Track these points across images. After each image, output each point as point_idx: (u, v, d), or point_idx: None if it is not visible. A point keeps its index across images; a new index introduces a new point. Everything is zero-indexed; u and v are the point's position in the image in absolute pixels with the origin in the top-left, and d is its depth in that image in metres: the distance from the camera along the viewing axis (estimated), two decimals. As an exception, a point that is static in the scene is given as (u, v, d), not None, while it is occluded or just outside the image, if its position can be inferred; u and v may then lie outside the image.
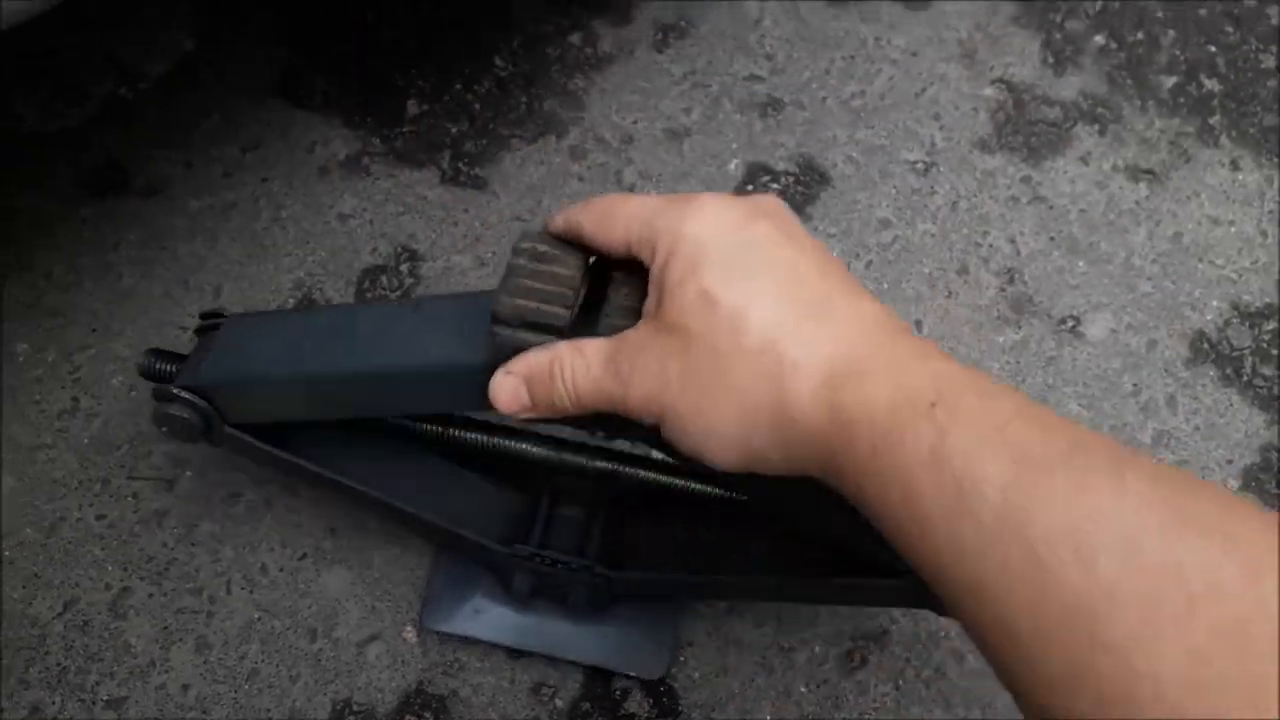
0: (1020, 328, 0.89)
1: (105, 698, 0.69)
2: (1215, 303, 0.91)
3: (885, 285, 0.90)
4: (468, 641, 0.71)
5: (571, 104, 1.02)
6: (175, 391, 0.61)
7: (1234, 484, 0.83)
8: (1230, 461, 0.83)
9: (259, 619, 0.72)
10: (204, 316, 0.67)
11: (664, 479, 0.67)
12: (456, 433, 0.68)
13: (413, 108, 1.01)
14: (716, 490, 0.67)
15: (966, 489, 0.32)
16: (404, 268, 0.90)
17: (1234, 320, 0.90)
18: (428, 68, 1.04)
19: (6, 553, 0.74)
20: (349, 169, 0.97)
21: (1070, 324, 0.89)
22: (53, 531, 0.75)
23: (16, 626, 0.71)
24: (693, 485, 0.67)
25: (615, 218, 0.48)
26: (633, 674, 0.69)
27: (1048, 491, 0.31)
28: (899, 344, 0.40)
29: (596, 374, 0.46)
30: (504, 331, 0.49)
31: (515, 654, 0.71)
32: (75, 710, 0.69)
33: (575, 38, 1.07)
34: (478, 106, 1.01)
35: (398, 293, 0.89)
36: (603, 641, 0.70)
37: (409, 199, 0.95)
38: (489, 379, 0.50)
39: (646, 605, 0.71)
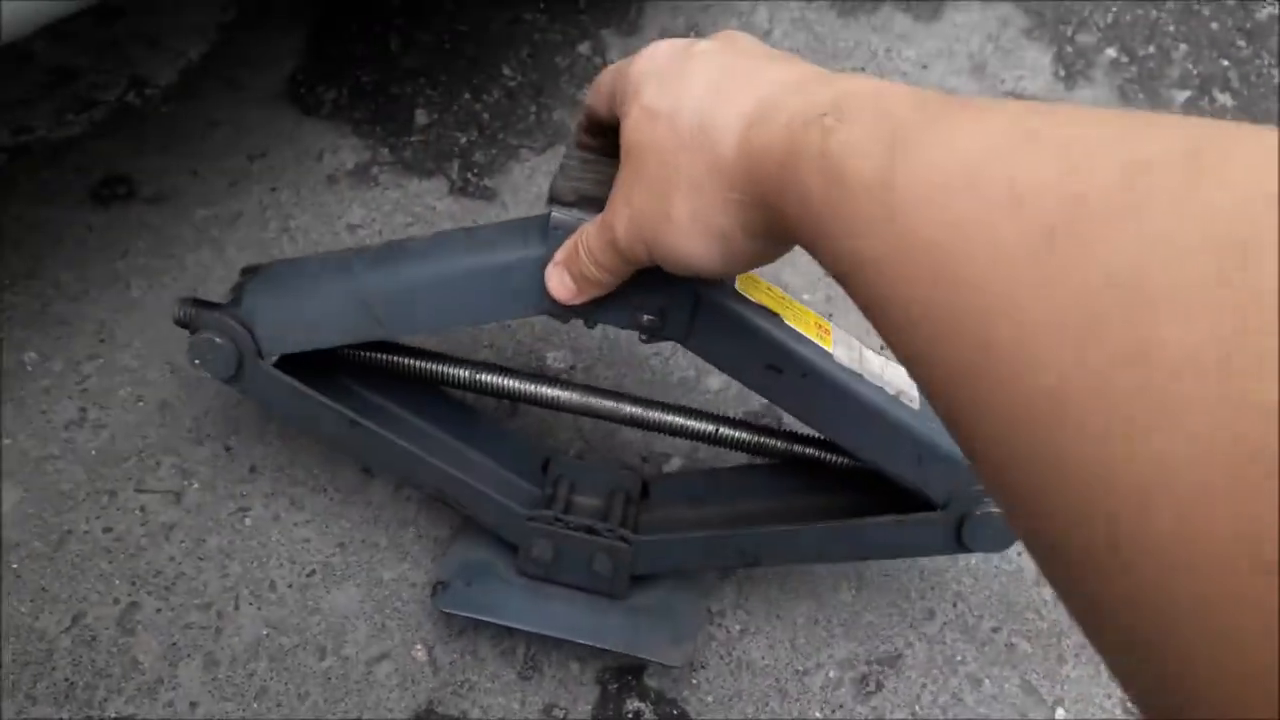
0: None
1: (113, 715, 0.69)
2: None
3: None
4: (478, 657, 0.71)
5: (580, 114, 1.01)
6: (216, 316, 0.62)
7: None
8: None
9: (268, 635, 0.72)
10: (244, 272, 0.68)
11: (691, 423, 0.67)
12: (487, 378, 0.67)
13: (421, 117, 1.01)
14: (741, 434, 0.67)
15: (847, 176, 0.33)
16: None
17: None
18: (437, 77, 1.03)
19: (14, 565, 0.74)
20: (357, 178, 0.96)
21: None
22: (60, 545, 0.75)
23: (24, 641, 0.71)
24: (722, 429, 0.67)
25: (599, 84, 0.52)
26: (654, 660, 0.68)
27: (915, 154, 0.30)
28: (814, 80, 0.40)
29: (596, 228, 0.50)
30: (561, 211, 0.54)
31: (526, 675, 0.71)
32: (83, 727, 0.69)
33: (584, 47, 1.06)
34: (486, 116, 1.01)
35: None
36: (623, 628, 0.69)
37: (417, 209, 0.94)
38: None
39: (669, 595, 0.71)
